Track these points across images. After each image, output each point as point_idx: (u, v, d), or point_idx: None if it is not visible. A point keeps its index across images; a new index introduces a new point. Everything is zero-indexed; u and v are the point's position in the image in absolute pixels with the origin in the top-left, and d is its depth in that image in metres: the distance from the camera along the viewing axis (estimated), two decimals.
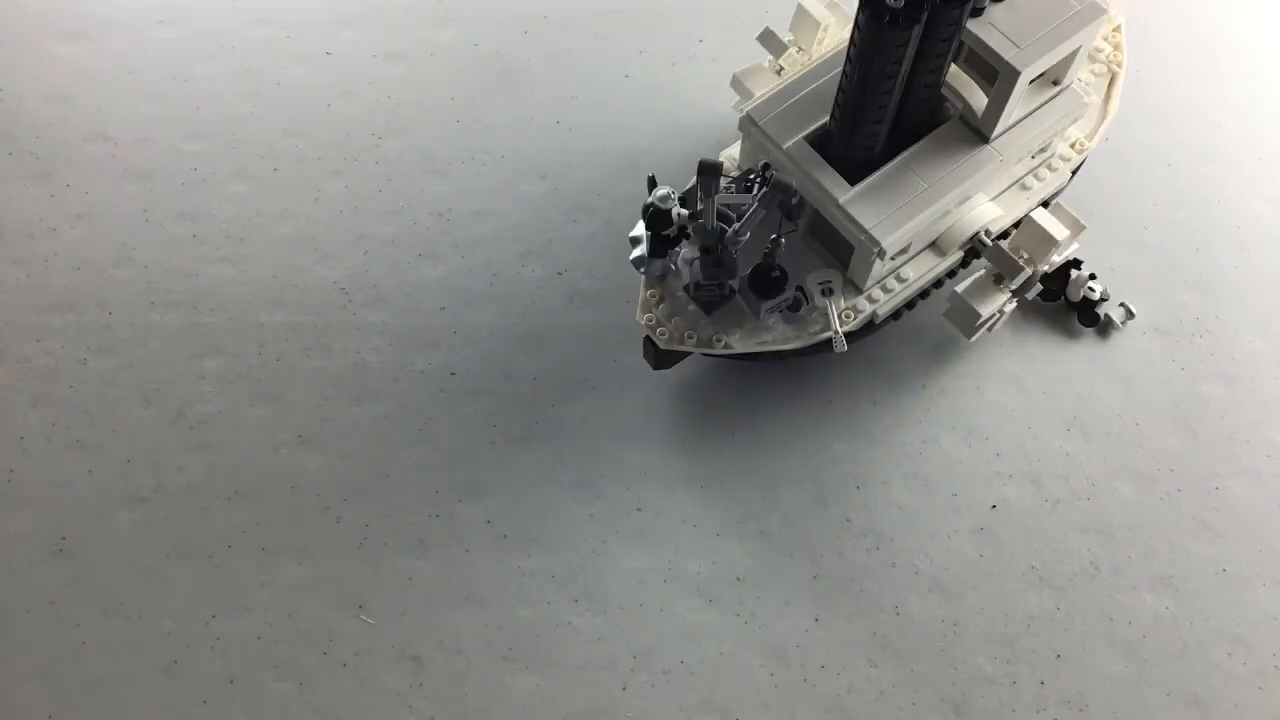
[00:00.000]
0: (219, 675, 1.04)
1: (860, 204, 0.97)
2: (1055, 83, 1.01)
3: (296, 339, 1.18)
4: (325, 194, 1.27)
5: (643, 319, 1.03)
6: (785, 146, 1.00)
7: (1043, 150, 1.07)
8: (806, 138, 1.00)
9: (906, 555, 1.09)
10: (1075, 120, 1.04)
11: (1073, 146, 1.10)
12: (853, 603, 1.06)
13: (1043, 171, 1.09)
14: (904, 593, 1.07)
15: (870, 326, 1.07)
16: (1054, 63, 0.98)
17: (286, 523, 1.10)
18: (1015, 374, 1.18)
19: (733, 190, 1.03)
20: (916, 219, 0.97)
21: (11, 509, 1.10)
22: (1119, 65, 1.15)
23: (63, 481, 1.11)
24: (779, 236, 0.98)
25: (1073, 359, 1.19)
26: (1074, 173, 1.14)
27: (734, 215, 0.97)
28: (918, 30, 0.89)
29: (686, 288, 1.02)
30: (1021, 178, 1.09)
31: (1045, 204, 1.06)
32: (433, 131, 1.31)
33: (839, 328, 0.99)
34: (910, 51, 0.91)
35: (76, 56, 1.35)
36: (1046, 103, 1.02)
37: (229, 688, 1.03)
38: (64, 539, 1.09)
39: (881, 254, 0.97)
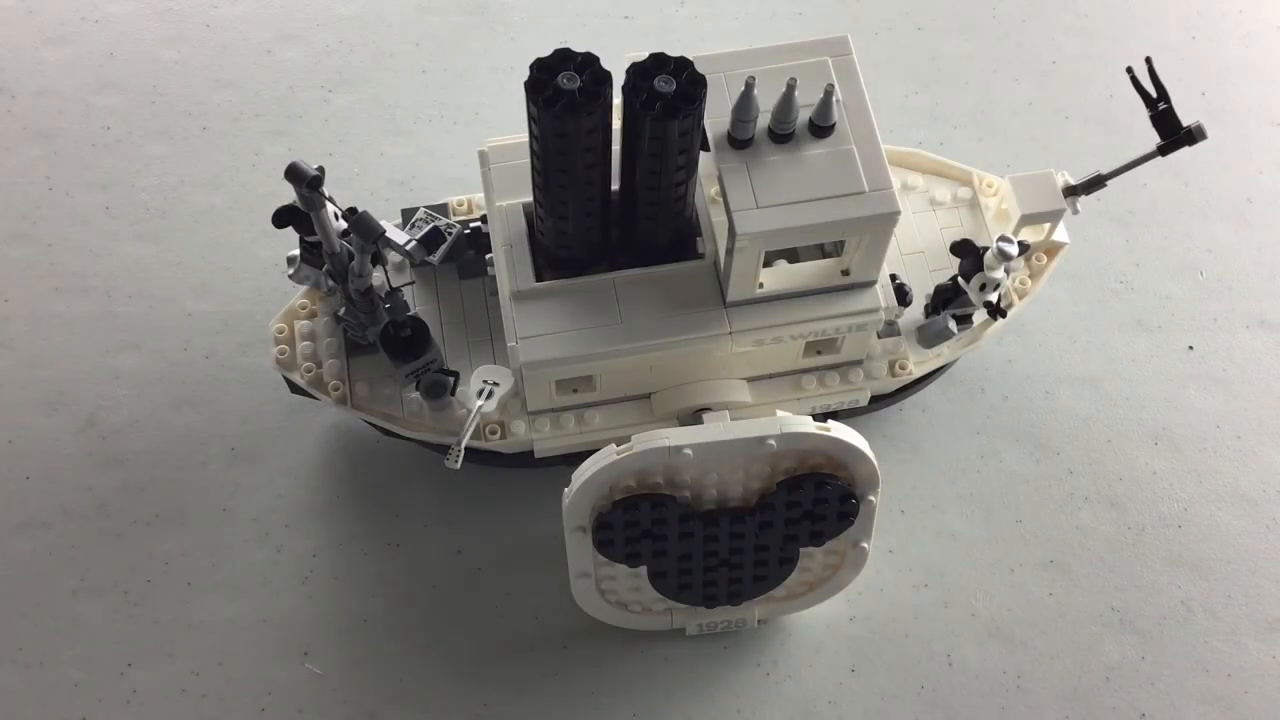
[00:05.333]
0: None
1: (531, 305, 0.92)
2: (845, 272, 0.94)
3: (230, 333, 1.18)
4: (264, 158, 1.27)
5: (272, 329, 1.02)
6: (497, 204, 0.95)
7: (830, 347, 0.99)
8: (527, 206, 0.95)
9: (961, 593, 1.08)
10: (867, 327, 0.96)
11: (893, 367, 1.02)
12: (895, 650, 1.06)
13: (830, 377, 1.01)
14: (958, 638, 1.07)
15: (530, 459, 1.00)
16: (800, 242, 0.91)
17: (217, 552, 1.10)
18: (1092, 376, 1.18)
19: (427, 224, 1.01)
20: (588, 353, 0.91)
21: None
22: (1016, 296, 1.05)
23: None
24: (398, 288, 0.94)
25: (1160, 358, 1.19)
26: (885, 399, 1.06)
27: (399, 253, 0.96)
28: (594, 121, 0.83)
29: (336, 315, 0.99)
30: (797, 370, 1.01)
31: (825, 416, 0.95)
32: (393, 83, 1.31)
33: (466, 439, 0.91)
34: (599, 148, 0.85)
35: None
36: (823, 291, 0.94)
37: None
38: None
39: (523, 373, 0.91)
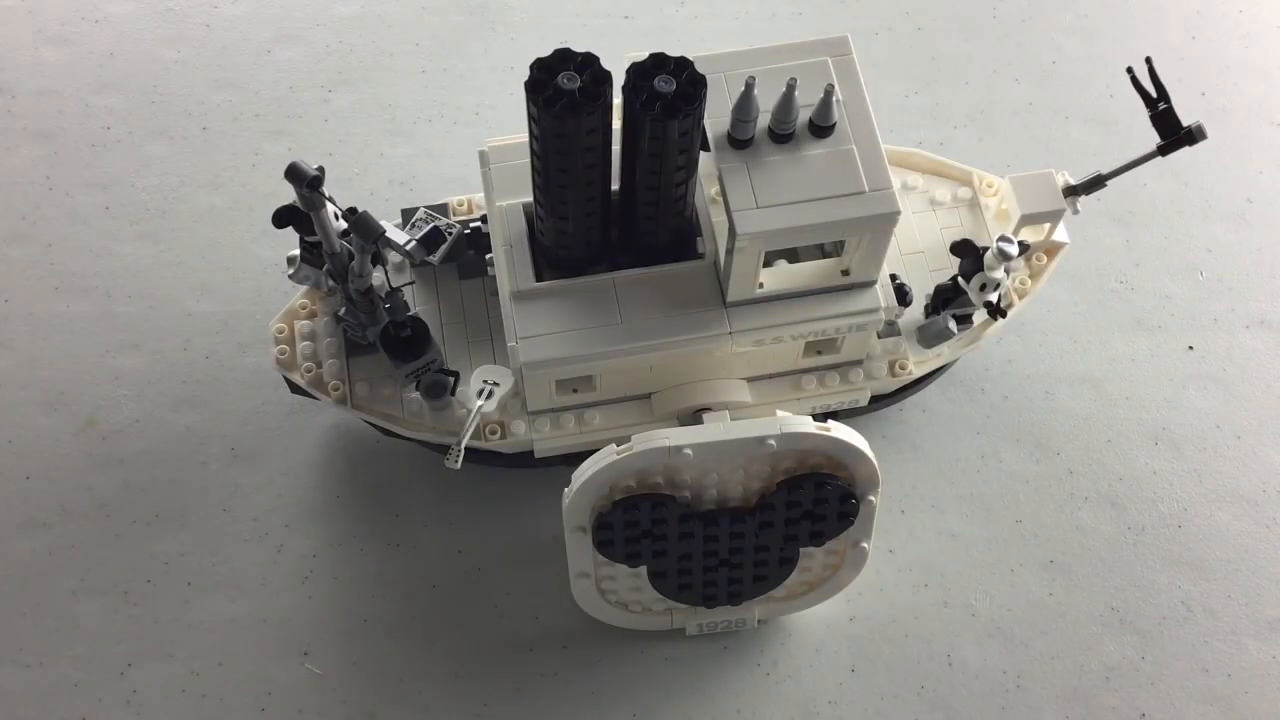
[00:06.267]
0: None
1: (530, 305, 0.92)
2: (845, 272, 0.95)
3: (230, 333, 1.18)
4: (264, 158, 1.27)
5: (272, 329, 1.02)
6: (497, 204, 0.96)
7: (830, 347, 1.00)
8: (527, 206, 0.96)
9: (961, 593, 1.08)
10: (867, 327, 0.96)
11: (893, 367, 1.03)
12: (895, 650, 1.06)
13: (830, 377, 1.01)
14: (958, 638, 1.07)
15: (530, 459, 1.01)
16: (800, 242, 0.92)
17: (217, 552, 1.10)
18: (1092, 376, 1.18)
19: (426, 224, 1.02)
20: (588, 353, 0.92)
21: None
22: (1016, 296, 1.05)
23: None
24: (398, 288, 0.95)
25: (1160, 358, 1.19)
26: (885, 399, 1.07)
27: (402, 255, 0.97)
28: (594, 123, 0.84)
29: (337, 315, 1.00)
30: (797, 370, 1.01)
31: (825, 416, 0.96)
32: (393, 83, 1.31)
33: (466, 439, 0.92)
34: (599, 148, 0.86)
35: None
36: (823, 291, 0.95)
37: None
38: None
39: (523, 373, 0.92)
